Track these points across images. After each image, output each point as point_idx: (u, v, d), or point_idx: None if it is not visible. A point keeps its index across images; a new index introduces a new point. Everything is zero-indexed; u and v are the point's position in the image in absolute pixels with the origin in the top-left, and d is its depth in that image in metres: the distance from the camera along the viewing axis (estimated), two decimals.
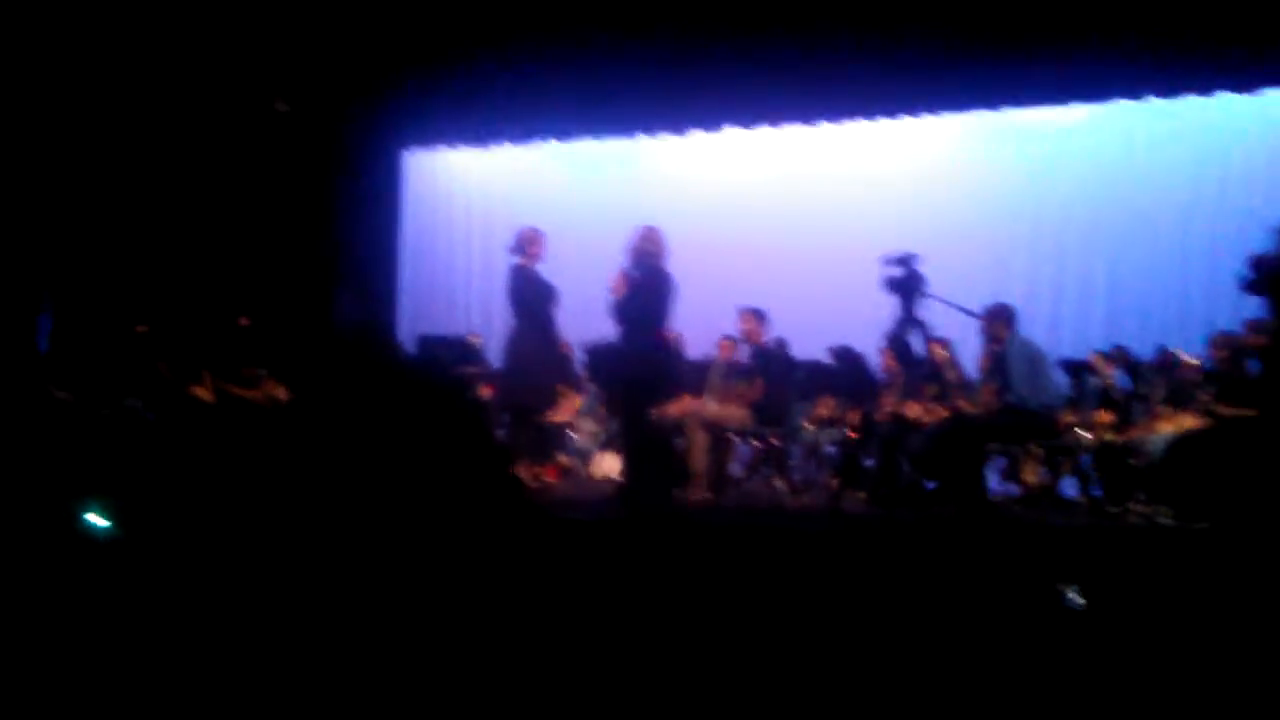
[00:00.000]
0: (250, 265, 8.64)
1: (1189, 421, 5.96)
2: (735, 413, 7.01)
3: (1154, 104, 7.59)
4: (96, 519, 3.46)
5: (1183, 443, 5.60)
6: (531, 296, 6.19)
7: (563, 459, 8.10)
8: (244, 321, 7.47)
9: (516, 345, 6.20)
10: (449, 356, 6.48)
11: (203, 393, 7.30)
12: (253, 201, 8.77)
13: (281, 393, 6.51)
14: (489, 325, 8.79)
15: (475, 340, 7.01)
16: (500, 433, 6.17)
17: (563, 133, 9.05)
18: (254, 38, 8.07)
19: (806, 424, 7.30)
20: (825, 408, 7.65)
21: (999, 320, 6.34)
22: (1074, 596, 2.70)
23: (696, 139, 8.90)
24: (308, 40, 8.09)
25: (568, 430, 8.15)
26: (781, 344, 7.61)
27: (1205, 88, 7.34)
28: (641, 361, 5.62)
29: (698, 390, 7.04)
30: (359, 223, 8.92)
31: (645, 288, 5.71)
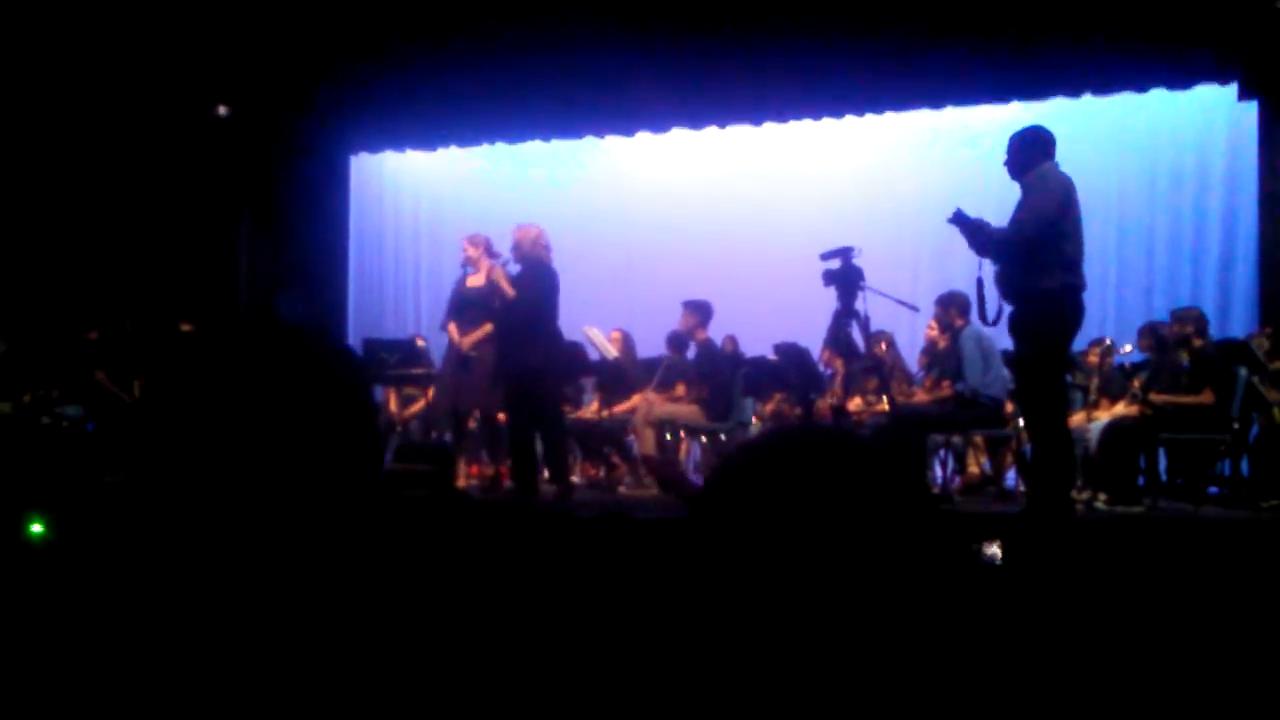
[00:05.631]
0: (194, 271, 8.55)
1: (1123, 410, 6.09)
2: (684, 410, 7.05)
3: (1083, 104, 7.71)
4: (37, 529, 3.42)
5: (1115, 430, 5.72)
6: (458, 301, 6.30)
7: None
8: (186, 327, 7.40)
9: (451, 348, 6.31)
10: (393, 359, 6.46)
11: None
12: (195, 208, 8.68)
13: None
14: (437, 328, 8.77)
15: (421, 343, 7.01)
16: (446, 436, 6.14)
17: (511, 135, 9.05)
18: (193, 43, 7.99)
19: (755, 420, 7.36)
20: (772, 404, 7.73)
21: (953, 308, 6.35)
22: (991, 552, 2.76)
23: (644, 140, 8.93)
24: (246, 45, 8.02)
25: None
26: (731, 341, 7.68)
27: (1141, 85, 7.49)
28: (535, 357, 5.69)
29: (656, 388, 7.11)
30: (304, 228, 8.86)
31: (532, 283, 5.78)
